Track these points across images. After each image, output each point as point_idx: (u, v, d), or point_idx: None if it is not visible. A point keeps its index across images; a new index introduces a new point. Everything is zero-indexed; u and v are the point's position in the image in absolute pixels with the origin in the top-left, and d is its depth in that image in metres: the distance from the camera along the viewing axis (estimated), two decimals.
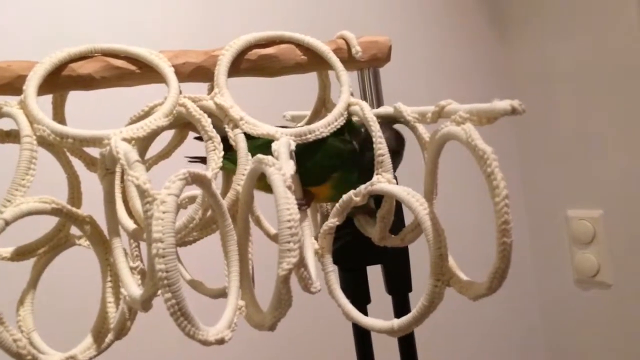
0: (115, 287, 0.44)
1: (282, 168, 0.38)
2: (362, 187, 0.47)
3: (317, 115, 0.60)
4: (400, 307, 0.56)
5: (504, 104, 0.38)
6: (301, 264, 0.39)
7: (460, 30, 1.18)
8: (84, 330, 0.47)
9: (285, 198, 0.36)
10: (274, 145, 0.44)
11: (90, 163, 0.52)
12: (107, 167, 0.43)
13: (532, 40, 1.15)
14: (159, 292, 0.34)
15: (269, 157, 0.39)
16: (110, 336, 0.44)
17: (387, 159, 0.47)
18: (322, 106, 0.59)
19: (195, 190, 0.58)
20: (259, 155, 0.40)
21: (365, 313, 0.52)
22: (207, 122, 0.46)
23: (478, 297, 0.42)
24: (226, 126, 0.48)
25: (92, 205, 0.49)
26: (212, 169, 0.44)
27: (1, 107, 0.45)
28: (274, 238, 0.58)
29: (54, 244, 0.48)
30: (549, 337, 1.17)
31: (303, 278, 0.39)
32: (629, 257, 1.02)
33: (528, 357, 1.18)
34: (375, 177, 0.47)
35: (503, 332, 1.16)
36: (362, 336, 0.58)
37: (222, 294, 0.55)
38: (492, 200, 0.37)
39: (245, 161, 0.47)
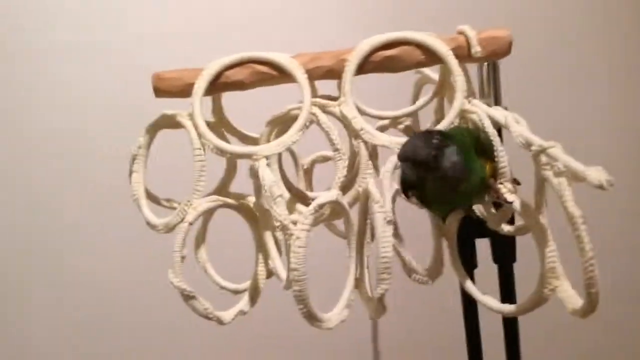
0: (265, 258, 0.59)
1: (385, 205, 0.46)
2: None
3: (436, 95, 0.64)
4: (505, 276, 0.66)
5: (595, 176, 0.41)
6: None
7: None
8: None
9: (384, 237, 0.45)
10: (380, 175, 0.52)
11: (243, 138, 0.65)
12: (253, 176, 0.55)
13: None
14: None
15: (377, 193, 0.47)
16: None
17: (508, 169, 0.52)
18: (441, 88, 0.64)
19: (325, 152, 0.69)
20: (370, 188, 0.48)
21: (472, 277, 0.62)
22: (334, 134, 0.55)
23: (574, 314, 0.48)
24: (349, 133, 0.56)
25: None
26: (339, 178, 0.54)
27: (176, 117, 0.58)
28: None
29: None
30: None
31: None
32: None
33: None
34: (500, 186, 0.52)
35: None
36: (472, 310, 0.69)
37: None
38: (581, 258, 0.43)
39: (366, 166, 0.56)
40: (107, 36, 0.99)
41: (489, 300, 0.55)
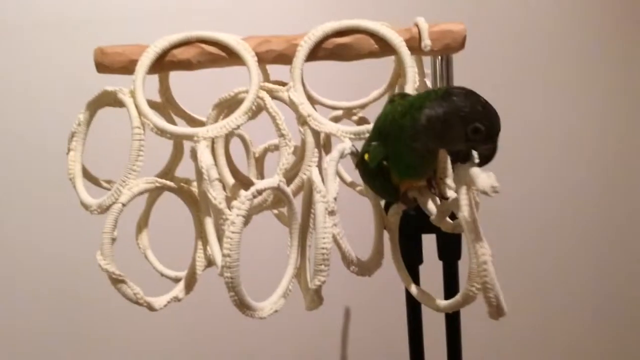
0: (204, 243, 0.57)
1: (326, 195, 0.45)
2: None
3: (391, 87, 0.63)
4: (450, 272, 0.65)
5: (481, 181, 0.41)
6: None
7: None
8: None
9: (323, 228, 0.44)
10: (324, 163, 0.50)
11: (190, 120, 0.63)
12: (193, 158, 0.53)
13: None
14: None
15: (320, 182, 0.46)
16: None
17: (449, 167, 0.52)
18: (397, 79, 0.63)
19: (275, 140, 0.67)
20: (313, 177, 0.47)
21: (417, 272, 0.62)
22: (280, 120, 0.53)
23: (489, 315, 0.49)
24: (296, 119, 0.55)
25: None
26: (282, 164, 0.53)
27: (117, 93, 0.55)
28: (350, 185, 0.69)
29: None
30: None
31: None
32: None
33: None
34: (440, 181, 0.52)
35: None
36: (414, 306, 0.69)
37: None
38: (475, 263, 0.43)
39: (312, 154, 0.54)
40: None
41: (423, 295, 0.55)
